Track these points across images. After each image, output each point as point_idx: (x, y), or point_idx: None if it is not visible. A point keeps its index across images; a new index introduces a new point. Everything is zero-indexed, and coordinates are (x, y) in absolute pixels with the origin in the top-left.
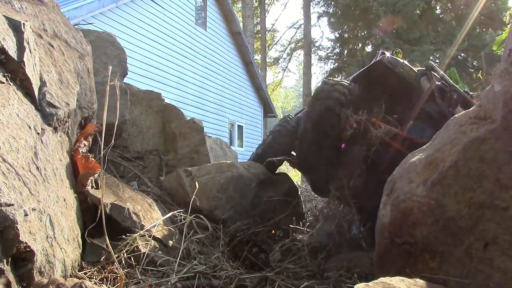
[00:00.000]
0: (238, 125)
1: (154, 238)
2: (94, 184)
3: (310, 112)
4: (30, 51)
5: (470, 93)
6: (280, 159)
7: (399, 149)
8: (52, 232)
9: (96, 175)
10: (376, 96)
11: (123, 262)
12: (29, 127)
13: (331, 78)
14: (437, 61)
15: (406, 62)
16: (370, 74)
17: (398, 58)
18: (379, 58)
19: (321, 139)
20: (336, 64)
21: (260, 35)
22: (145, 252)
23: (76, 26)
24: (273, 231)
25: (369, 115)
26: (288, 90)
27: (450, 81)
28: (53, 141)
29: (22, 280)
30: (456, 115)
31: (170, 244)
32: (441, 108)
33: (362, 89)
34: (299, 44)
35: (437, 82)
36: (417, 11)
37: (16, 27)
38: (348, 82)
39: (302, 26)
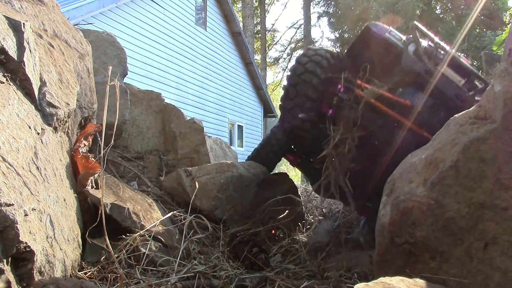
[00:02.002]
0: (238, 125)
1: (154, 238)
2: (94, 184)
3: (291, 75)
4: (30, 51)
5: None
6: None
7: (391, 114)
8: (52, 232)
9: (96, 175)
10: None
11: (123, 262)
12: (29, 127)
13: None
14: None
15: (392, 28)
16: (359, 44)
17: (384, 25)
18: (365, 24)
19: (303, 102)
20: None
21: (260, 35)
22: (145, 252)
23: (76, 26)
24: (273, 231)
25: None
26: None
27: (436, 39)
28: (53, 141)
29: (22, 280)
30: (456, 115)
31: (170, 244)
32: (427, 67)
33: (353, 59)
34: (299, 44)
35: (423, 42)
36: (417, 11)
37: (16, 27)
38: (337, 50)
39: (302, 26)
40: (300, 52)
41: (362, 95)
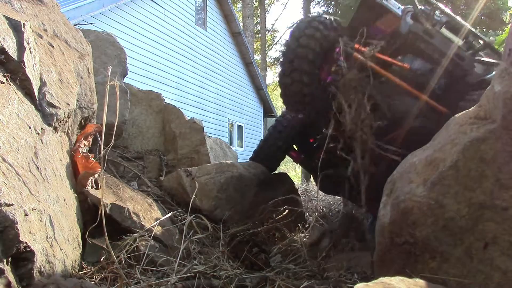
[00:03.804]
0: (238, 125)
1: (154, 238)
2: (94, 184)
3: (286, 51)
4: (30, 51)
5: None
6: None
7: (390, 78)
8: (52, 232)
9: (96, 175)
10: (368, 35)
11: (123, 262)
12: (29, 127)
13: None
14: None
15: None
16: (359, 14)
17: None
18: None
19: (301, 76)
20: None
21: (260, 35)
22: (145, 252)
23: (76, 26)
24: (273, 232)
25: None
26: None
27: (433, 1)
28: (53, 141)
29: (22, 280)
30: (456, 115)
31: (170, 244)
32: (425, 27)
33: (353, 31)
34: None
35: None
36: None
37: (16, 27)
38: (330, 18)
39: None
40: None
41: (360, 58)
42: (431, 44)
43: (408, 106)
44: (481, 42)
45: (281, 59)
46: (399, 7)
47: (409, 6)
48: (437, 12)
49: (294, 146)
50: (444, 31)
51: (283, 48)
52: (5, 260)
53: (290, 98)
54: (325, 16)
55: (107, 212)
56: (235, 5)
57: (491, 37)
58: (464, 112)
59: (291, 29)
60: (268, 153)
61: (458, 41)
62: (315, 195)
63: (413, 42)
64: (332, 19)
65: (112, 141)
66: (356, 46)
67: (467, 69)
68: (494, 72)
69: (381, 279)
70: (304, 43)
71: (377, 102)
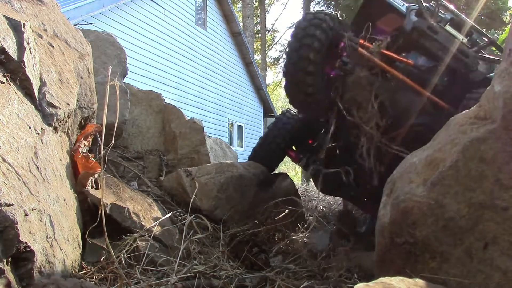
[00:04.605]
0: (238, 125)
1: (154, 238)
2: (94, 184)
3: (292, 40)
4: (30, 51)
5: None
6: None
7: (394, 74)
8: (52, 232)
9: (96, 175)
10: (372, 32)
11: (123, 262)
12: (29, 127)
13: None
14: None
15: None
16: (363, 11)
17: None
18: None
19: (306, 65)
20: None
21: (260, 35)
22: (145, 252)
23: (76, 26)
24: (273, 232)
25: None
26: None
27: None
28: (53, 141)
29: (22, 280)
30: (456, 115)
31: (170, 244)
32: (430, 23)
33: (357, 27)
34: None
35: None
36: None
37: (16, 27)
38: (335, 12)
39: None
40: None
41: (365, 54)
42: (435, 40)
43: (412, 103)
44: (485, 40)
45: (287, 49)
46: (403, 4)
47: (413, 4)
48: (442, 10)
49: (293, 146)
50: (449, 28)
51: (289, 39)
52: (5, 260)
53: (294, 87)
54: (330, 10)
55: (107, 212)
56: (235, 5)
57: (495, 35)
58: (464, 112)
59: (297, 21)
60: (267, 151)
61: (462, 38)
62: (315, 195)
63: (417, 39)
64: (339, 13)
65: (112, 141)
66: (361, 41)
67: (471, 66)
68: None
69: (381, 279)
70: (310, 33)
71: (384, 100)
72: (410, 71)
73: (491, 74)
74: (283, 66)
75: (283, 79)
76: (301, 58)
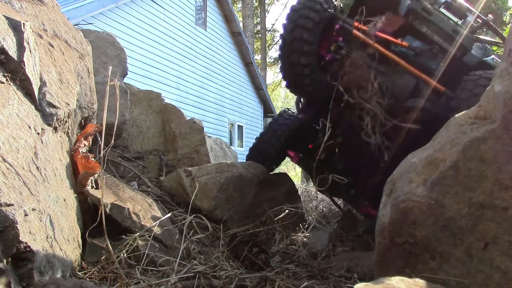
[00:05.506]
0: (238, 125)
1: (154, 238)
2: (94, 184)
3: (287, 22)
4: (30, 51)
5: None
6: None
7: (390, 56)
8: (52, 232)
9: (96, 175)
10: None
11: (123, 262)
12: (29, 127)
13: None
14: None
15: None
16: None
17: None
18: None
19: (301, 46)
20: None
21: (260, 35)
22: (145, 252)
23: (76, 26)
24: (273, 232)
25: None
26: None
27: None
28: (53, 141)
29: (22, 280)
30: (456, 115)
31: (170, 244)
32: (424, 5)
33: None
34: None
35: None
36: None
37: (16, 27)
38: None
39: None
40: None
41: (360, 36)
42: (430, 21)
43: (407, 85)
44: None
45: (282, 32)
46: None
47: None
48: None
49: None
50: (443, 11)
51: (284, 21)
52: (5, 260)
53: (289, 69)
54: None
55: (107, 212)
56: (235, 5)
57: (489, 15)
58: (464, 112)
59: (292, 5)
60: (262, 150)
61: (457, 20)
62: (315, 195)
63: (411, 21)
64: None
65: (112, 141)
66: (356, 24)
67: (466, 47)
68: (493, 56)
69: (381, 279)
70: (304, 14)
71: (381, 81)
72: (405, 54)
73: (487, 58)
74: (278, 49)
75: (279, 62)
76: (295, 38)
